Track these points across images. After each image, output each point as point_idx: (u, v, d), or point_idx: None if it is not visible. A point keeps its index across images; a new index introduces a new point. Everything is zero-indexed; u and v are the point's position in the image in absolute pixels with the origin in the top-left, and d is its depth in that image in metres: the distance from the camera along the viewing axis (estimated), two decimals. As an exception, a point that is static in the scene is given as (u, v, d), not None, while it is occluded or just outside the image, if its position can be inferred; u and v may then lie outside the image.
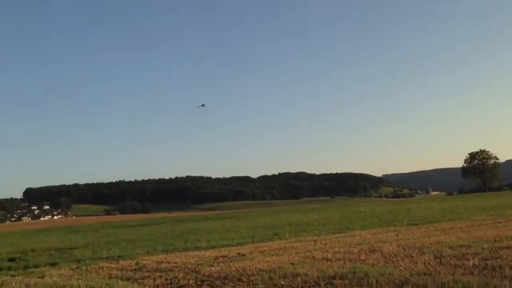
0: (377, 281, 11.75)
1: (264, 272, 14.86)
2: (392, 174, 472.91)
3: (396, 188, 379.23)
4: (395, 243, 21.65)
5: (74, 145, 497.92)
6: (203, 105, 70.72)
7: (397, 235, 26.93)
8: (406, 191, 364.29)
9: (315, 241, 26.52)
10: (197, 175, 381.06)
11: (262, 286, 12.63)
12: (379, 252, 18.40)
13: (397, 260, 15.69)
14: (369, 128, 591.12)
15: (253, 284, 13.06)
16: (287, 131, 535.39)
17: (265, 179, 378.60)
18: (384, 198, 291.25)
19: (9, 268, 23.55)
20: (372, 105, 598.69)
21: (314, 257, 18.19)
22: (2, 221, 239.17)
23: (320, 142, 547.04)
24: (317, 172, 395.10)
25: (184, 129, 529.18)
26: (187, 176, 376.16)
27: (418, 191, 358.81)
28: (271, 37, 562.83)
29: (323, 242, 25.16)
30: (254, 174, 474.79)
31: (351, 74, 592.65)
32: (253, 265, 16.97)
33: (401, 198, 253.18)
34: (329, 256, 18.20)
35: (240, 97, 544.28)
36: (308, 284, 12.43)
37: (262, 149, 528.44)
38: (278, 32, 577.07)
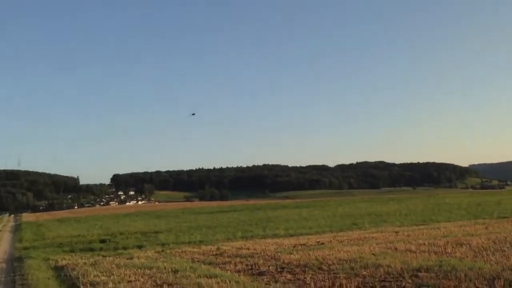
0: (466, 275, 11.12)
1: (345, 262, 14.63)
2: (480, 164, 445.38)
3: (484, 179, 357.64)
4: (484, 236, 20.46)
5: (157, 134, 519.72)
6: (193, 114, 71.23)
7: (486, 228, 25.46)
8: (495, 182, 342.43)
9: (396, 232, 25.75)
10: (274, 163, 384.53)
11: (343, 275, 12.42)
12: (467, 245, 17.45)
13: (487, 254, 14.79)
14: (452, 115, 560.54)
15: (333, 273, 12.89)
16: (364, 119, 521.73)
17: (342, 168, 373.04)
18: (470, 189, 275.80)
19: (101, 249, 25.12)
20: (457, 91, 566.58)
21: (396, 249, 17.64)
22: (92, 205, 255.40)
23: (400, 131, 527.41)
24: (397, 162, 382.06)
25: (260, 117, 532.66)
26: (264, 165, 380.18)
27: (508, 183, 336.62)
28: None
29: (405, 234, 24.36)
30: (331, 163, 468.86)
31: (444, 60, 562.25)
32: (332, 254, 16.79)
33: (489, 190, 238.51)
34: (413, 248, 17.56)
35: (317, 83, 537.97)
36: (391, 276, 12.05)
37: (339, 138, 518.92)
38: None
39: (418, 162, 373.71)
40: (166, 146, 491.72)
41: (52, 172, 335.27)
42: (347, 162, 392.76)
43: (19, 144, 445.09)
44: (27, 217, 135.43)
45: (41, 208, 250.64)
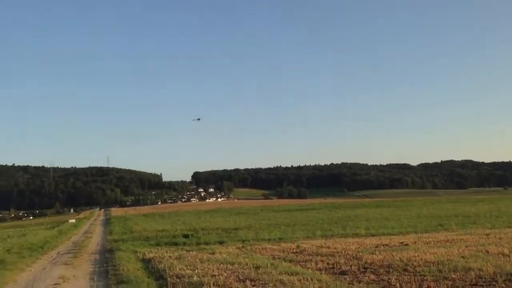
0: None
1: (432, 264, 13.98)
2: None
3: None
4: None
5: (235, 133, 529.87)
6: (198, 119, 71.06)
7: None
8: None
9: (487, 234, 24.23)
10: (353, 161, 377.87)
11: (431, 278, 11.87)
12: None
13: None
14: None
15: (420, 275, 12.36)
16: (447, 116, 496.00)
17: (425, 167, 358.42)
18: None
19: (184, 244, 26.00)
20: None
21: (488, 252, 16.58)
22: (174, 201, 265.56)
23: (489, 128, 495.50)
24: (486, 160, 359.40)
25: (339, 115, 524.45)
26: (342, 163, 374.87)
27: None
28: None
29: (497, 236, 22.84)
30: (414, 162, 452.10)
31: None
32: (418, 255, 16.11)
33: None
34: (506, 251, 16.41)
35: (400, 80, 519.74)
36: (483, 280, 11.33)
37: (422, 136, 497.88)
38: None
39: (510, 161, 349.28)
40: (245, 145, 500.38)
41: (138, 169, 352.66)
42: (431, 161, 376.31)
43: (108, 143, 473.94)
44: (115, 211, 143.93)
45: (128, 203, 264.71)
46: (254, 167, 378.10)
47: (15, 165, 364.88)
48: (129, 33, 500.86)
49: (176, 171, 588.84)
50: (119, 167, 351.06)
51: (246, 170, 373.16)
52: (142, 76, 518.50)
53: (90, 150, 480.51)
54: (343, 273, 13.50)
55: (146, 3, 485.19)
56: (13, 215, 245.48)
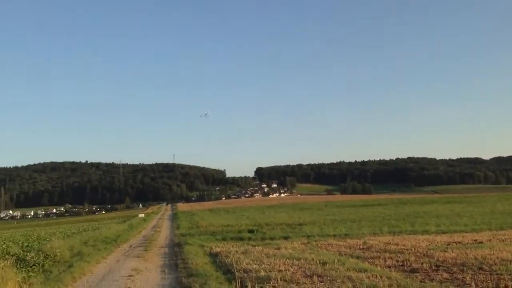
0: None
1: (509, 263, 13.29)
2: None
3: None
4: None
5: (297, 127, 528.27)
6: (206, 114, 69.76)
7: None
8: None
9: None
10: (420, 156, 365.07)
11: (508, 277, 11.26)
12: None
13: None
14: None
15: (496, 274, 11.77)
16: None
17: (499, 161, 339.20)
18: None
19: (249, 239, 26.25)
20: None
21: None
22: (238, 196, 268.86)
23: None
24: None
25: (402, 107, 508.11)
26: (409, 157, 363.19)
27: None
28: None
29: None
30: (486, 155, 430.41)
31: None
32: (493, 254, 15.34)
33: None
34: None
35: (467, 70, 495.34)
36: None
37: (494, 128, 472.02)
38: None
39: None
40: (308, 140, 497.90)
41: (202, 165, 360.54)
42: (505, 155, 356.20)
43: (174, 140, 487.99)
44: (181, 206, 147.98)
45: (193, 198, 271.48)
46: (316, 162, 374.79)
47: (88, 162, 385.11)
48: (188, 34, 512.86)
49: (240, 166, 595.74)
50: (184, 163, 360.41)
51: (309, 165, 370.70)
52: (204, 76, 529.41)
53: (156, 147, 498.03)
54: (413, 271, 13.10)
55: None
56: (87, 209, 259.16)
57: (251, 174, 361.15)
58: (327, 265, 13.99)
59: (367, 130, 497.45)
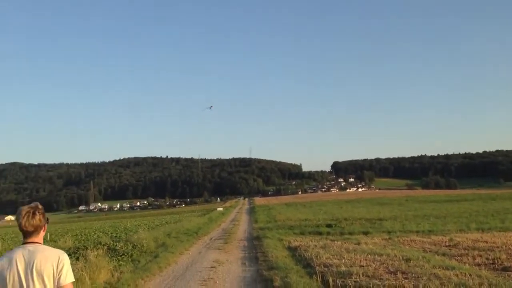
0: None
1: None
2: None
3: None
4: None
5: (375, 121, 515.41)
6: (210, 107, 67.35)
7: None
8: None
9: None
10: (510, 149, 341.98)
11: None
12: None
13: None
14: None
15: None
16: None
17: None
18: None
19: (328, 233, 25.98)
20: None
21: None
22: (314, 191, 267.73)
23: None
24: None
25: (488, 98, 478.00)
26: (497, 150, 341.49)
27: None
28: None
29: None
30: None
31: None
32: None
33: None
34: None
35: None
36: None
37: None
38: None
39: None
40: (386, 133, 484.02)
41: (278, 159, 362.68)
42: None
43: (250, 135, 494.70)
44: (258, 201, 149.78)
45: (269, 192, 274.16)
46: (396, 156, 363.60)
47: (169, 157, 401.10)
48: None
49: (316, 160, 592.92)
50: (260, 157, 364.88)
51: (388, 159, 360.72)
52: (282, 72, 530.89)
53: (233, 142, 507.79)
54: (505, 269, 12.32)
55: None
56: (168, 202, 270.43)
57: (327, 168, 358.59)
58: (411, 261, 13.50)
59: (450, 123, 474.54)
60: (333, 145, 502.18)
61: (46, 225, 4.13)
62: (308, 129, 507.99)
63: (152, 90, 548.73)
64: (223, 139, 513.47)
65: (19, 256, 3.84)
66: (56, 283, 3.81)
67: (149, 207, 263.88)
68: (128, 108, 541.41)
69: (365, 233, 25.06)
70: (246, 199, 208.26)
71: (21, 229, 3.99)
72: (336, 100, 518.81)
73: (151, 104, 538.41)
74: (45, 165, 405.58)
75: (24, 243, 3.97)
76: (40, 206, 4.08)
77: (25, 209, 3.99)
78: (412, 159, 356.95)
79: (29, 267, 3.80)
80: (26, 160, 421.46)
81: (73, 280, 3.91)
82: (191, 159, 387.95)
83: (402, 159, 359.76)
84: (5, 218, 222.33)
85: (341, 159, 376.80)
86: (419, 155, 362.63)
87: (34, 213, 3.97)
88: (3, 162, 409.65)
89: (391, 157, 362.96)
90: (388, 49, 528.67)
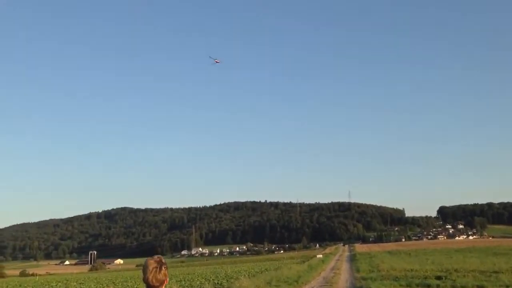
0: None
1: None
2: None
3: None
4: None
5: (483, 161, 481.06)
6: (217, 62, 61.25)
7: None
8: None
9: None
10: None
11: None
12: None
13: None
14: None
15: None
16: None
17: None
18: None
19: (437, 286, 24.26)
20: None
21: None
22: (419, 238, 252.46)
23: None
24: None
25: None
26: None
27: None
28: None
29: None
30: None
31: None
32: None
33: None
34: None
35: None
36: None
37: None
38: None
39: None
40: (497, 175, 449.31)
41: (379, 204, 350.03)
42: None
43: (349, 178, 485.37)
44: (359, 247, 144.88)
45: (370, 239, 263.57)
46: (511, 201, 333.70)
47: (267, 201, 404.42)
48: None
49: (420, 205, 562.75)
50: (360, 201, 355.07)
51: (502, 203, 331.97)
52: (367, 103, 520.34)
53: (332, 186, 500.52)
54: None
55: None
56: (266, 248, 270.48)
57: (433, 213, 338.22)
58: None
59: None
60: (440, 187, 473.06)
61: (167, 278, 4.51)
62: (411, 171, 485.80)
63: (250, 136, 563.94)
64: (321, 182, 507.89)
65: None
66: None
67: (248, 253, 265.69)
68: (229, 154, 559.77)
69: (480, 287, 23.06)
70: (346, 245, 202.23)
71: (146, 283, 4.35)
72: (444, 132, 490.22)
73: (248, 150, 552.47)
74: (151, 209, 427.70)
75: None
76: (163, 261, 4.53)
77: (152, 264, 4.40)
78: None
79: None
80: (135, 205, 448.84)
81: None
82: (290, 203, 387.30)
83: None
84: (115, 261, 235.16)
85: (448, 203, 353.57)
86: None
87: (160, 268, 4.40)
88: (115, 207, 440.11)
89: (506, 201, 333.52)
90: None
